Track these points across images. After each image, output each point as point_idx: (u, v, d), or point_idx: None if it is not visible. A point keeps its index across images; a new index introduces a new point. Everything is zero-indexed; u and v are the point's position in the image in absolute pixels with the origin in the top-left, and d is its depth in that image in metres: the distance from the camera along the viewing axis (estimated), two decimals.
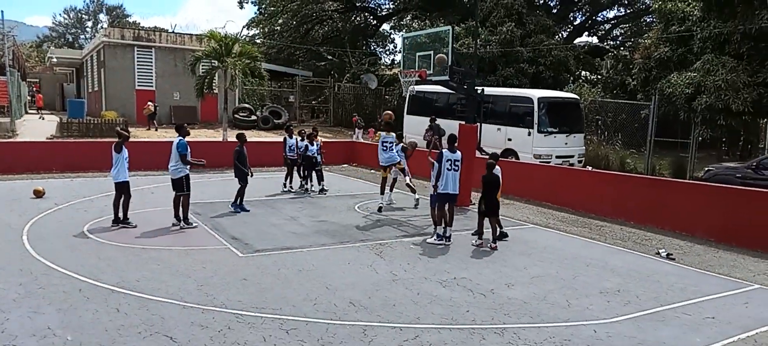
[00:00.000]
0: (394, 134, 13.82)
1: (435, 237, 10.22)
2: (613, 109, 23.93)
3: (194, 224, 10.71)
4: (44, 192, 12.86)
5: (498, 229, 10.14)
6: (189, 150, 10.48)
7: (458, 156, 10.27)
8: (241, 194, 12.25)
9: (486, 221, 10.10)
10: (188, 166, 10.55)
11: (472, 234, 10.43)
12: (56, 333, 5.76)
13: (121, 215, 10.36)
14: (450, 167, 10.10)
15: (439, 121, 21.17)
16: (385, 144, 13.43)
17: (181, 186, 10.48)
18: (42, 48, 68.53)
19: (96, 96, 34.70)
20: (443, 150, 10.40)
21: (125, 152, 10.30)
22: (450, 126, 15.83)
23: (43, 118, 33.09)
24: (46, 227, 10.14)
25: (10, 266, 7.83)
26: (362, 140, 25.69)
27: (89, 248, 8.96)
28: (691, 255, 10.12)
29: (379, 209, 12.80)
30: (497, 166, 10.26)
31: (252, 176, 12.42)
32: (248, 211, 12.09)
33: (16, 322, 5.99)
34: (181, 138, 10.47)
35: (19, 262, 8.03)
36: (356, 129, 27.97)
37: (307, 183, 15.05)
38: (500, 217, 10.33)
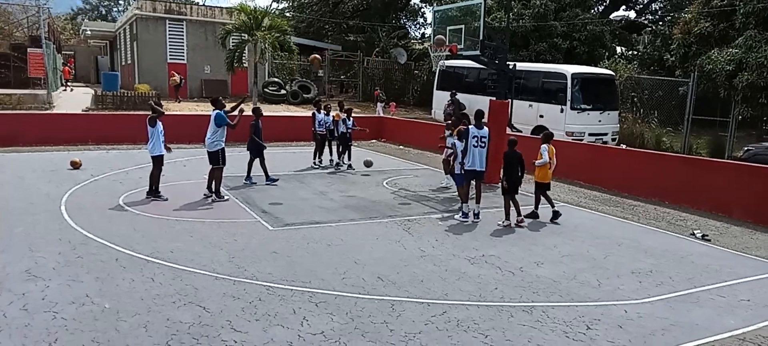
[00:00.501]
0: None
1: (460, 215, 10.20)
2: (650, 86, 23.37)
3: (226, 198, 10.90)
4: (81, 163, 13.22)
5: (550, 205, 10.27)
6: (226, 120, 10.83)
7: (485, 132, 10.17)
8: (263, 165, 12.43)
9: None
10: (224, 140, 10.79)
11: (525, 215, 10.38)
12: (94, 301, 5.97)
13: (153, 187, 10.62)
14: (476, 144, 10.02)
15: (459, 96, 20.95)
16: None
17: (216, 159, 10.74)
18: (76, 20, 69.67)
19: (129, 69, 35.28)
20: (470, 126, 10.27)
21: (160, 126, 10.52)
22: (480, 102, 15.70)
23: (72, 90, 33.74)
24: (83, 198, 10.44)
25: (49, 235, 8.11)
26: (382, 115, 25.61)
27: (125, 218, 9.22)
28: (727, 236, 9.94)
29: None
30: (545, 146, 10.30)
31: (265, 149, 12.53)
32: (277, 180, 12.25)
33: (57, 289, 6.22)
34: (218, 110, 10.75)
35: (58, 232, 8.30)
36: (378, 103, 27.89)
37: (341, 159, 15.08)
38: (550, 194, 10.51)
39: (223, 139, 10.81)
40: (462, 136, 10.23)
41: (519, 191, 10.13)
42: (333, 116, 14.97)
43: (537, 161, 10.29)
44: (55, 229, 8.43)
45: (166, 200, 10.49)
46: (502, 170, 10.20)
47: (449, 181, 12.47)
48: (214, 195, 10.78)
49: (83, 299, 5.99)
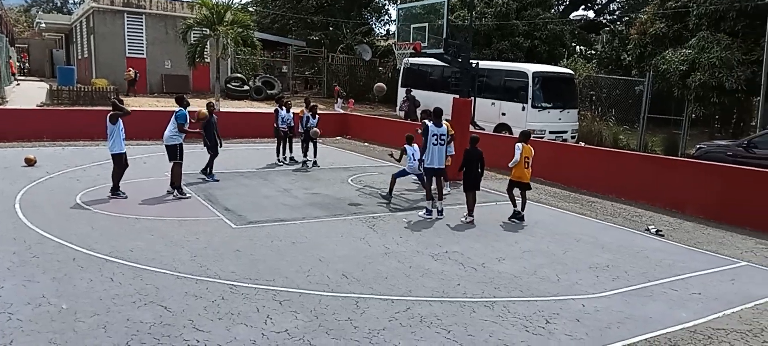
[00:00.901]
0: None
1: (424, 212, 10.29)
2: (608, 85, 23.99)
3: (188, 195, 10.76)
4: (36, 160, 12.83)
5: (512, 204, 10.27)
6: (188, 121, 10.88)
7: (443, 130, 10.24)
8: (210, 163, 12.31)
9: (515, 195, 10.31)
10: (183, 136, 10.77)
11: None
12: (51, 301, 5.83)
13: (115, 185, 10.41)
14: (436, 142, 10.08)
15: (423, 93, 21.38)
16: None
17: (174, 154, 10.68)
18: (30, 12, 67.40)
19: (86, 63, 34.28)
20: (428, 124, 10.28)
21: (120, 123, 10.32)
22: (444, 100, 15.83)
23: (18, 84, 32.62)
24: (39, 196, 10.15)
25: (4, 234, 7.87)
26: (340, 111, 25.58)
27: (82, 217, 9.00)
28: (680, 232, 10.28)
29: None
30: (519, 145, 10.14)
31: (221, 146, 12.42)
32: (218, 180, 12.14)
33: (11, 290, 6.04)
34: (181, 109, 10.76)
35: (13, 231, 8.06)
36: (339, 99, 27.93)
37: (306, 156, 14.99)
38: (528, 195, 10.48)
39: (182, 135, 10.81)
40: (422, 134, 10.32)
41: (480, 188, 10.27)
42: (294, 113, 14.97)
43: (510, 163, 10.21)
44: (9, 228, 8.18)
45: (126, 197, 10.28)
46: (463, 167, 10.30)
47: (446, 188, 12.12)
48: (175, 191, 10.64)
49: (39, 300, 5.84)
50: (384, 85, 11.03)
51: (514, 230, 9.67)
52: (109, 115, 10.31)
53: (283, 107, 15.00)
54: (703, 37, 19.54)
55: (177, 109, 10.85)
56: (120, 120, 10.30)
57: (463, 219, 10.04)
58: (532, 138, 10.85)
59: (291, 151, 15.21)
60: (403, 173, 11.65)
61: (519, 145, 10.22)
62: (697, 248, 9.31)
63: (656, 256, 8.66)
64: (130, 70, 29.48)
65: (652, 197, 12.24)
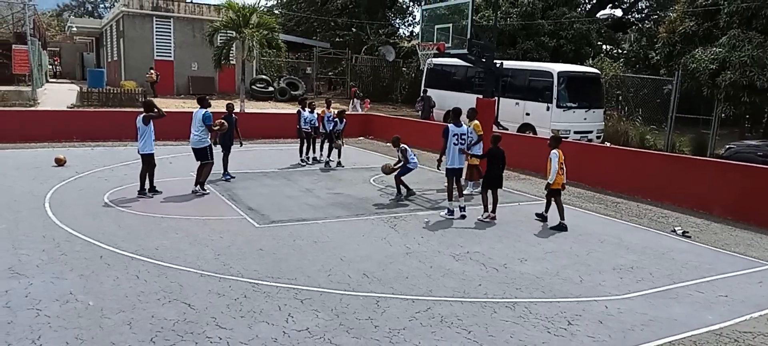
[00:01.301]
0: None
1: (446, 212, 10.30)
2: (635, 84, 23.59)
3: (207, 191, 11.06)
4: (65, 160, 13.14)
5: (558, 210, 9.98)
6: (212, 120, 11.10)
7: (464, 130, 10.28)
8: (225, 162, 12.52)
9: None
10: (210, 136, 11.04)
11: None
12: (78, 298, 5.97)
13: (147, 185, 10.64)
14: (456, 142, 10.13)
15: (447, 93, 21.63)
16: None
17: (205, 155, 10.96)
18: (62, 17, 68.97)
19: (115, 66, 34.99)
20: (449, 125, 10.34)
21: (152, 125, 10.56)
22: (468, 100, 15.77)
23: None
24: (68, 195, 10.38)
25: (33, 232, 8.07)
26: (360, 111, 25.59)
27: (109, 216, 9.19)
28: (707, 233, 10.09)
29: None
30: (555, 152, 9.80)
31: (241, 145, 12.78)
32: (234, 177, 12.40)
33: (40, 287, 6.20)
34: (205, 110, 10.92)
35: (42, 229, 8.27)
36: (355, 99, 28.04)
37: (330, 156, 15.22)
38: (561, 200, 10.07)
39: (209, 134, 11.04)
40: (443, 135, 10.34)
41: (502, 186, 10.22)
42: (317, 114, 15.13)
43: (549, 177, 9.82)
44: (38, 226, 8.39)
45: (158, 193, 10.61)
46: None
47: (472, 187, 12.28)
48: (199, 188, 10.93)
49: (67, 297, 5.98)
50: (390, 165, 11.08)
51: (536, 231, 9.59)
52: (142, 116, 10.54)
53: (306, 108, 15.16)
54: (734, 35, 19.11)
55: (201, 110, 10.96)
56: (152, 121, 10.54)
57: (481, 218, 10.04)
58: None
59: (314, 152, 15.35)
60: (405, 171, 11.67)
61: (555, 152, 9.81)
62: (725, 249, 9.12)
63: (682, 257, 8.51)
64: (152, 72, 30.04)
65: (679, 198, 12.02)
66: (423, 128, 19.72)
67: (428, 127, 19.31)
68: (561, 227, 9.71)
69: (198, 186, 10.96)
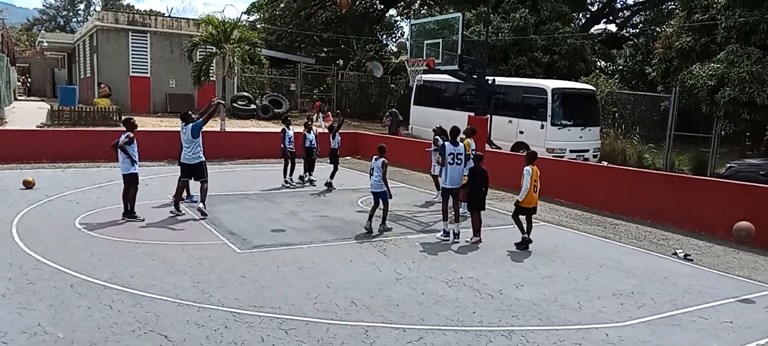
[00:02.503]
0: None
1: (441, 233, 10.33)
2: (632, 101, 23.88)
3: (182, 213, 11.08)
4: (34, 183, 12.97)
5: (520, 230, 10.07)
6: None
7: (461, 149, 10.39)
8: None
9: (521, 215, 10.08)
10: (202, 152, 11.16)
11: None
12: (47, 330, 5.84)
13: (129, 207, 10.59)
14: (452, 161, 10.21)
15: (437, 110, 22.13)
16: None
17: (202, 171, 11.06)
18: (32, 31, 68.75)
19: (88, 82, 34.84)
20: (446, 143, 10.49)
21: (135, 144, 10.53)
22: (459, 118, 15.83)
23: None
24: (37, 220, 10.24)
25: None
26: (323, 125, 25.32)
27: (81, 241, 9.06)
28: (710, 256, 10.14)
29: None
30: (529, 168, 9.88)
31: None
32: (196, 201, 11.97)
33: (6, 318, 6.07)
34: (192, 123, 10.97)
35: (9, 256, 8.12)
36: (319, 113, 28.15)
37: (310, 175, 15.33)
38: (533, 219, 10.16)
39: (202, 150, 11.09)
40: (439, 153, 10.40)
41: (485, 208, 10.24)
42: (295, 132, 15.26)
43: (521, 193, 9.84)
44: (5, 253, 8.24)
45: (143, 220, 10.47)
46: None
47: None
48: (201, 204, 11.05)
49: (35, 329, 5.86)
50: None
51: (533, 255, 9.58)
52: (191, 126, 10.80)
53: (290, 127, 15.15)
54: (732, 50, 19.44)
55: (184, 125, 10.99)
56: (134, 140, 10.57)
57: (468, 240, 10.06)
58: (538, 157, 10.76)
59: (308, 173, 15.37)
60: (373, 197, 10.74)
61: (528, 168, 9.92)
62: (728, 273, 9.17)
63: (684, 282, 8.53)
64: (104, 87, 30.16)
65: (680, 220, 12.10)
66: (417, 147, 19.73)
67: (419, 146, 19.33)
68: (524, 243, 9.83)
69: (201, 204, 11.05)
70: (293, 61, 39.74)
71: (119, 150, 10.41)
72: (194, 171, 11.08)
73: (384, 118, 28.11)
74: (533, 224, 10.15)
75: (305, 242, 9.69)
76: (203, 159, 11.14)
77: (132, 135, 10.52)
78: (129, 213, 10.54)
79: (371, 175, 10.57)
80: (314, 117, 27.61)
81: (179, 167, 11.29)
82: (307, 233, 10.32)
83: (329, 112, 29.75)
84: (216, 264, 8.23)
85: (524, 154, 10.98)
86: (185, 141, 11.01)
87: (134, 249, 8.78)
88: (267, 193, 13.95)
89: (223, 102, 11.63)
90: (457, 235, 10.23)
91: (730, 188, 12.32)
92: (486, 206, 10.36)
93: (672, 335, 6.56)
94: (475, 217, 10.14)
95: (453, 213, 10.34)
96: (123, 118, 12.46)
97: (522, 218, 10.05)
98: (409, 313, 6.82)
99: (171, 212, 11.00)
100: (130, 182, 10.53)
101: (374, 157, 10.64)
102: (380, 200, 10.52)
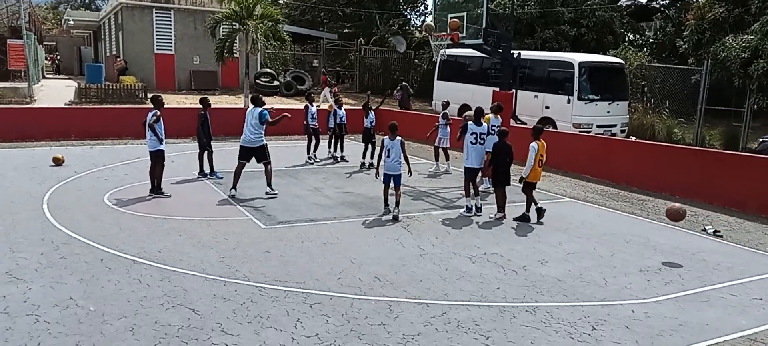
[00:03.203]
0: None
1: (464, 210, 10.38)
2: (661, 75, 23.42)
3: (277, 192, 11.29)
4: (64, 160, 13.26)
5: (533, 204, 10.07)
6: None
7: (484, 129, 10.43)
8: (210, 159, 12.70)
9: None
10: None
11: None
12: (79, 303, 6.02)
13: (156, 183, 10.80)
14: (474, 141, 10.27)
15: (462, 86, 21.82)
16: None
17: (264, 154, 11.23)
18: (58, 10, 69.56)
19: (114, 60, 35.22)
20: (468, 122, 10.52)
21: (162, 122, 10.71)
22: (483, 93, 15.71)
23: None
24: (67, 196, 10.48)
25: (31, 235, 8.15)
26: (330, 100, 25.15)
27: (110, 217, 9.26)
28: (740, 232, 9.99)
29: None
30: (535, 144, 9.86)
31: (209, 142, 12.76)
32: (222, 178, 12.32)
33: (39, 292, 6.27)
34: (261, 108, 11.12)
35: (40, 231, 8.35)
36: (326, 88, 28.09)
37: (335, 151, 15.54)
38: (535, 194, 10.26)
39: (263, 135, 11.28)
40: (461, 132, 10.41)
41: (510, 183, 10.19)
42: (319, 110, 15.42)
43: (525, 169, 9.84)
44: (36, 228, 8.47)
45: (169, 196, 10.68)
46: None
47: (439, 167, 14.23)
48: (269, 188, 11.21)
49: (67, 302, 6.04)
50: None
51: (558, 231, 9.55)
52: (260, 110, 11.01)
53: (313, 104, 15.23)
54: (766, 21, 18.91)
55: (257, 109, 11.09)
56: (161, 119, 10.71)
57: (492, 216, 10.07)
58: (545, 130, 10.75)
59: (341, 150, 15.57)
60: (386, 179, 10.07)
61: (534, 144, 9.83)
62: (759, 249, 9.04)
63: (713, 258, 8.44)
64: (120, 60, 30.47)
65: (710, 195, 11.93)
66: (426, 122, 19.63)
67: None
68: (523, 218, 9.89)
69: (268, 187, 11.22)
70: (316, 37, 39.64)
71: (147, 127, 10.57)
72: (256, 153, 11.23)
73: (394, 92, 28.33)
74: (550, 199, 10.13)
75: (329, 218, 9.78)
76: (265, 142, 11.28)
77: (159, 113, 10.66)
78: (156, 189, 10.74)
79: (388, 156, 9.77)
80: (321, 92, 27.79)
81: (238, 150, 11.31)
82: (331, 209, 10.41)
83: (335, 87, 29.68)
84: (241, 240, 8.36)
85: (549, 129, 10.90)
86: (252, 124, 11.10)
87: (162, 225, 8.96)
88: (291, 169, 14.06)
89: (288, 115, 11.86)
90: (479, 208, 10.29)
91: (762, 163, 12.07)
92: (511, 182, 10.30)
93: (700, 312, 6.51)
94: (500, 193, 10.11)
95: (473, 189, 10.40)
96: (150, 95, 12.59)
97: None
98: (433, 288, 6.87)
99: (268, 192, 11.15)
100: (157, 159, 10.71)
101: (385, 136, 9.96)
102: (392, 182, 9.85)
